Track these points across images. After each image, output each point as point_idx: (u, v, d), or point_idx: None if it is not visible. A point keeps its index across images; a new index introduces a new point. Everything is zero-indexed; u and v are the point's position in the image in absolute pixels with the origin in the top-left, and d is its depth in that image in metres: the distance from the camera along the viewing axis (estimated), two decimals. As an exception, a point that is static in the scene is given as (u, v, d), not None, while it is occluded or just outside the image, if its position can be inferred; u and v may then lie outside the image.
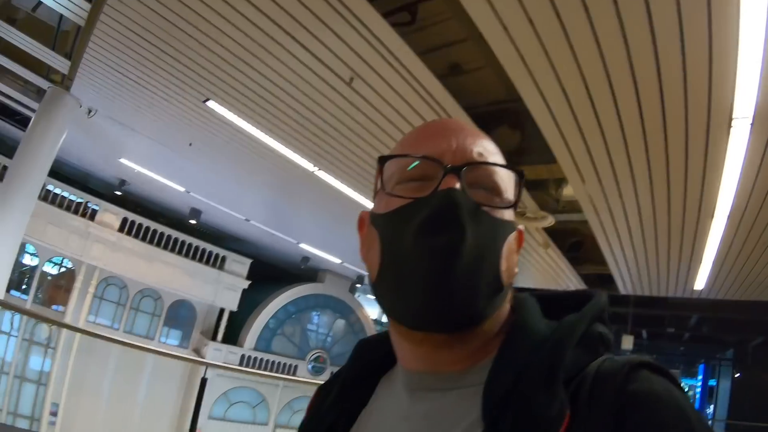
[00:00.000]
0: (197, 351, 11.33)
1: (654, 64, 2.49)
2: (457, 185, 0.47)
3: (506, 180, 0.51)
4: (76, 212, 9.94)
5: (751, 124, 2.74)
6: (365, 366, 0.60)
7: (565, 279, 7.07)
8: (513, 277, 0.52)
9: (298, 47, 3.09)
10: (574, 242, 6.04)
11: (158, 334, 11.17)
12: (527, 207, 4.51)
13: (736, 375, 9.57)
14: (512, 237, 0.51)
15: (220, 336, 11.39)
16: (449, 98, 3.36)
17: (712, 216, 4.07)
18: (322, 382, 0.65)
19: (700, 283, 5.99)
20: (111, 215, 10.34)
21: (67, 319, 9.52)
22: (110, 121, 5.73)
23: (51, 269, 10.49)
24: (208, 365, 9.50)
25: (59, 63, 4.90)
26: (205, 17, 3.03)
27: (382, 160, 0.53)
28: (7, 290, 5.86)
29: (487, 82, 3.53)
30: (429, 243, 0.46)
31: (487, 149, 0.52)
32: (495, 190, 0.50)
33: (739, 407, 9.18)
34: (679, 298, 7.09)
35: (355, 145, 4.21)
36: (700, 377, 11.28)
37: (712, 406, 10.39)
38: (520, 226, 0.54)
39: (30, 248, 9.96)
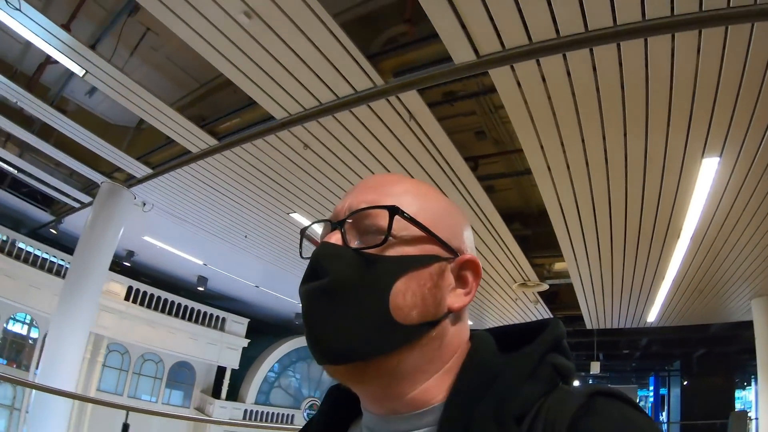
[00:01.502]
0: (200, 409, 11.69)
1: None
2: (335, 237, 0.50)
3: (383, 218, 0.50)
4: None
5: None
6: (335, 412, 0.60)
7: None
8: (432, 314, 0.50)
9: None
10: (552, 293, 7.40)
11: (161, 395, 11.44)
12: (530, 278, 5.79)
13: (684, 383, 11.29)
14: (424, 272, 0.50)
15: (223, 393, 11.78)
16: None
17: (663, 277, 5.51)
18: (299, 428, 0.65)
19: (651, 317, 7.50)
20: (117, 285, 10.55)
21: (79, 389, 9.72)
22: (164, 214, 6.02)
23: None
24: (217, 423, 10.00)
25: (132, 166, 5.00)
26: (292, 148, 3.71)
27: (302, 231, 0.60)
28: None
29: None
30: (303, 291, 0.49)
31: (379, 197, 0.52)
32: (372, 231, 0.50)
33: (689, 409, 10.83)
34: (634, 328, 8.62)
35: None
36: (651, 387, 12.96)
37: (665, 412, 12.07)
38: (470, 256, 0.53)
39: (21, 316, 10.04)
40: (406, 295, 0.48)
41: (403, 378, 0.49)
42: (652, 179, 3.44)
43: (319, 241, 0.53)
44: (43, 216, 8.56)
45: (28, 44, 3.72)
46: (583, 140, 3.02)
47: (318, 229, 0.58)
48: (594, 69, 2.46)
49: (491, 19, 2.23)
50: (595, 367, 9.72)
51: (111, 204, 5.49)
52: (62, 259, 9.80)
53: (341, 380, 0.50)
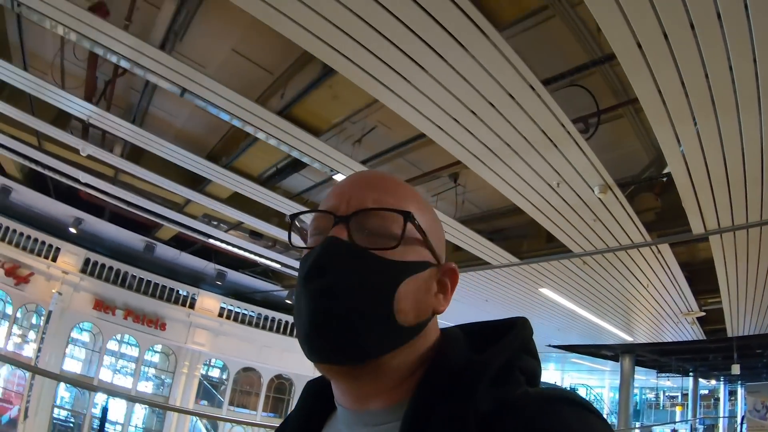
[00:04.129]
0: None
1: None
2: (343, 233, 0.51)
3: (395, 223, 0.51)
4: (176, 302, 11.87)
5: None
6: (312, 408, 0.61)
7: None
8: (424, 316, 0.52)
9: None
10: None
11: (260, 409, 12.89)
12: (693, 309, 7.48)
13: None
14: (421, 277, 0.52)
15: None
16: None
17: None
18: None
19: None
20: (211, 300, 12.14)
21: (177, 404, 11.53)
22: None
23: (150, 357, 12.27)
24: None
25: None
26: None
27: (292, 217, 0.60)
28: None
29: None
30: (306, 287, 0.50)
31: (382, 196, 0.53)
32: (382, 233, 0.51)
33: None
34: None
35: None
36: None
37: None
38: (451, 264, 0.55)
39: (131, 340, 11.95)
40: (408, 299, 0.51)
41: (391, 375, 0.52)
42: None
43: (309, 230, 0.55)
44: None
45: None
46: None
47: (305, 218, 0.58)
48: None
49: None
50: (736, 369, 11.02)
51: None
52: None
53: (335, 378, 0.53)
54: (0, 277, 10.71)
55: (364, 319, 0.49)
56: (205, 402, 12.61)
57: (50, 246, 11.18)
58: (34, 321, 11.36)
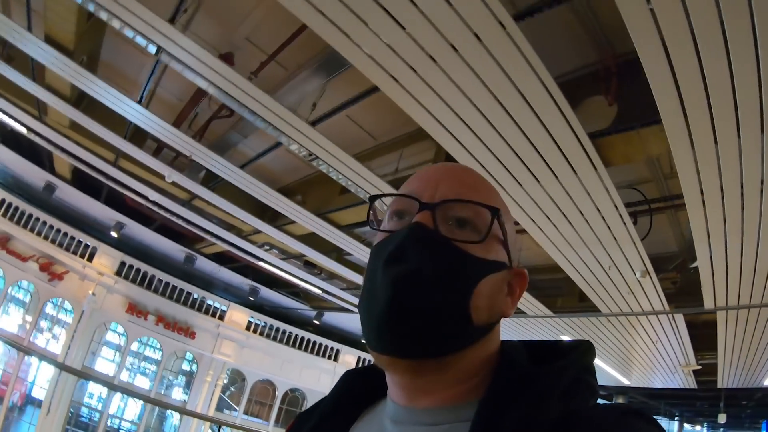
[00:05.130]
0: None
1: None
2: (429, 220, 0.51)
3: (482, 217, 0.52)
4: (207, 312, 12.43)
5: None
6: (349, 396, 0.61)
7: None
8: (495, 317, 0.53)
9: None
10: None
11: (272, 420, 13.42)
12: (690, 362, 8.37)
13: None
14: (497, 277, 0.53)
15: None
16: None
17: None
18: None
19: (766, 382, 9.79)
20: (240, 314, 12.78)
21: (198, 410, 12.02)
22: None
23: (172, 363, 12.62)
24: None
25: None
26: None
27: (372, 198, 0.60)
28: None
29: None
30: (388, 272, 0.49)
31: (468, 189, 0.54)
32: (470, 226, 0.52)
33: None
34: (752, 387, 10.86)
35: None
36: (763, 430, 14.81)
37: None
38: (523, 269, 0.56)
39: (155, 342, 12.40)
40: (484, 297, 0.51)
41: (455, 374, 0.52)
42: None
43: (388, 213, 0.55)
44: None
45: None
46: None
47: (383, 202, 0.59)
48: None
49: None
50: (722, 418, 11.91)
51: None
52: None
53: (399, 373, 0.52)
54: (34, 271, 11.15)
55: (443, 313, 0.49)
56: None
57: (86, 245, 11.64)
58: (61, 316, 11.70)
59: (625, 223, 3.69)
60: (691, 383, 10.59)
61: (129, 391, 12.03)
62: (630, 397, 13.28)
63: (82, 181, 9.63)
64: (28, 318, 11.35)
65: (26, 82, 5.32)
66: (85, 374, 11.09)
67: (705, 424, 17.15)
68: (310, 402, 13.97)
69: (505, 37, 2.32)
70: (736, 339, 6.50)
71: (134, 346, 12.35)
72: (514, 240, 0.57)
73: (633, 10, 1.99)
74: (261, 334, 12.91)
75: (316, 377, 13.28)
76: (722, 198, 3.14)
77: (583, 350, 0.54)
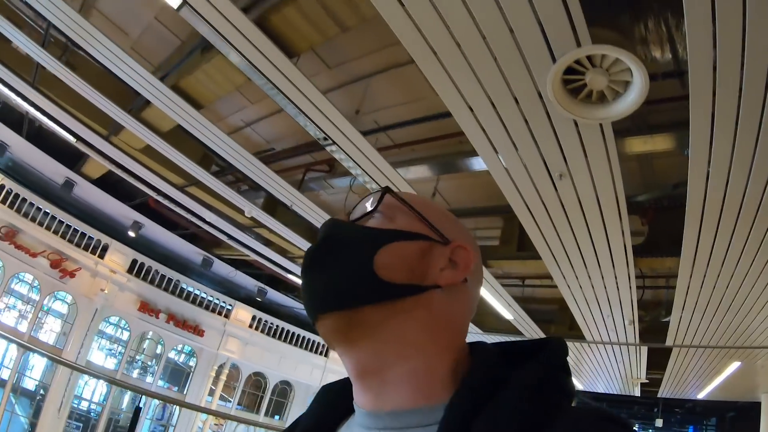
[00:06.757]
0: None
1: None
2: (344, 217, 0.62)
3: (375, 198, 0.60)
4: (214, 311, 13.15)
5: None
6: (325, 412, 0.62)
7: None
8: (417, 279, 0.55)
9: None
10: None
11: (262, 410, 14.29)
12: (641, 377, 10.19)
13: (719, 436, 15.73)
14: (407, 245, 0.56)
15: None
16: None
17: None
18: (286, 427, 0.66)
19: (702, 395, 11.87)
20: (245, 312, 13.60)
21: (202, 404, 12.64)
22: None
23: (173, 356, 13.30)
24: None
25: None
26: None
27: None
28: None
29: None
30: (305, 255, 0.59)
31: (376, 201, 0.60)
32: (367, 210, 0.60)
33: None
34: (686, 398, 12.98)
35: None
36: (690, 432, 17.31)
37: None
38: (461, 242, 0.59)
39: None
40: (392, 258, 0.54)
41: (390, 343, 0.53)
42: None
43: None
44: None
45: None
46: None
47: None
48: None
49: None
50: (659, 422, 14.03)
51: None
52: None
53: (331, 339, 0.55)
54: (43, 267, 11.21)
55: (344, 271, 0.54)
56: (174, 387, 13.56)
57: (98, 241, 11.89)
58: (65, 311, 11.89)
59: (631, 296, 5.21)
60: (636, 392, 12.57)
61: (134, 387, 12.55)
62: (577, 399, 15.23)
63: (104, 181, 9.84)
64: (29, 311, 11.42)
65: (119, 113, 5.16)
66: (89, 371, 11.29)
67: (637, 425, 19.57)
68: (297, 393, 15.37)
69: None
70: (682, 366, 8.30)
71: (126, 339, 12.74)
72: (438, 218, 0.59)
73: None
74: (263, 331, 13.80)
75: (308, 372, 14.26)
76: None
77: (555, 347, 0.54)
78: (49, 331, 11.82)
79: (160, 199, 7.92)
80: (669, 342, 6.79)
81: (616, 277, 4.85)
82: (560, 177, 3.42)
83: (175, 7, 2.96)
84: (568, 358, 0.56)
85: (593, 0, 2.15)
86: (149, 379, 13.05)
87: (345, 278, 0.54)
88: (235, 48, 3.15)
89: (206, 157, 5.82)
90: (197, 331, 12.87)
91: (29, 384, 11.34)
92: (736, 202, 3.29)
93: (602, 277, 4.93)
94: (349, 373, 0.57)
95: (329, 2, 3.10)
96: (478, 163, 3.79)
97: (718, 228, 3.67)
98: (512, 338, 2.56)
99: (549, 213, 3.93)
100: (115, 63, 4.05)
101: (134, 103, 4.98)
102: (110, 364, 12.61)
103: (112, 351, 12.75)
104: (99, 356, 12.48)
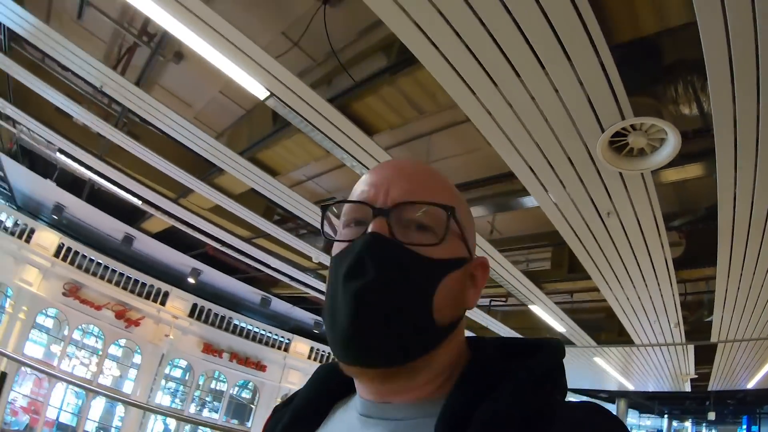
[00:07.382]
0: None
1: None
2: (384, 228, 0.51)
3: (437, 218, 0.52)
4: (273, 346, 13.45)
5: None
6: (321, 391, 0.62)
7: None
8: (459, 312, 0.53)
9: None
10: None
11: (222, 413, 13.71)
12: (690, 373, 10.64)
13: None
14: (458, 273, 0.53)
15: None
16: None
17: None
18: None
19: (751, 385, 12.16)
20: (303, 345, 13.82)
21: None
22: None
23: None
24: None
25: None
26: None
27: (324, 208, 0.59)
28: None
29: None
30: (348, 286, 0.50)
31: (420, 189, 0.54)
32: (426, 227, 0.52)
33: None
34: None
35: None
36: (744, 426, 17.32)
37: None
38: (482, 258, 0.56)
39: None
40: (446, 297, 0.51)
41: (425, 376, 0.52)
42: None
43: (342, 221, 0.55)
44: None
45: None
46: None
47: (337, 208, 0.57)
48: None
49: None
50: (712, 416, 14.24)
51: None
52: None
53: (368, 381, 0.52)
54: (107, 318, 11.95)
55: (407, 321, 0.49)
56: (235, 421, 13.99)
57: (159, 290, 12.67)
58: (134, 359, 12.68)
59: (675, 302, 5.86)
60: (687, 388, 12.88)
61: (203, 422, 13.29)
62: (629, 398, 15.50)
63: (163, 233, 10.32)
64: (94, 360, 12.12)
65: (191, 179, 5.51)
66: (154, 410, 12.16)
67: (690, 419, 19.60)
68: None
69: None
70: (728, 360, 8.77)
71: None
72: (472, 229, 0.57)
73: None
74: (320, 361, 14.25)
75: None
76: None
77: (553, 348, 0.54)
78: (111, 375, 12.54)
79: (223, 249, 8.69)
80: (714, 339, 7.33)
81: (660, 289, 5.51)
82: (608, 215, 4.16)
83: (262, 98, 3.18)
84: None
85: (631, 74, 2.59)
86: (214, 415, 13.76)
87: (406, 331, 0.50)
88: (320, 130, 3.50)
89: (269, 209, 6.20)
90: (259, 366, 13.59)
91: (90, 426, 12.07)
92: (761, 218, 3.94)
93: (647, 289, 5.59)
94: (364, 390, 0.56)
95: (410, 93, 3.43)
96: (530, 202, 4.47)
97: (747, 241, 4.33)
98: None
99: (599, 243, 4.65)
100: (195, 138, 4.35)
101: (208, 171, 5.39)
102: (171, 402, 13.38)
103: (173, 390, 13.55)
104: (164, 397, 13.27)
